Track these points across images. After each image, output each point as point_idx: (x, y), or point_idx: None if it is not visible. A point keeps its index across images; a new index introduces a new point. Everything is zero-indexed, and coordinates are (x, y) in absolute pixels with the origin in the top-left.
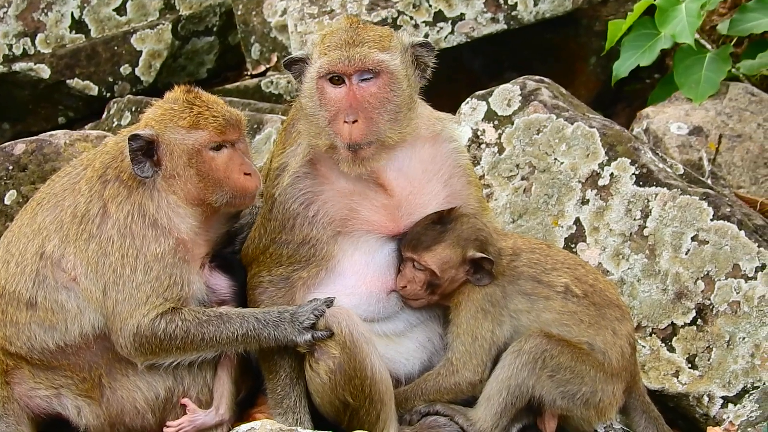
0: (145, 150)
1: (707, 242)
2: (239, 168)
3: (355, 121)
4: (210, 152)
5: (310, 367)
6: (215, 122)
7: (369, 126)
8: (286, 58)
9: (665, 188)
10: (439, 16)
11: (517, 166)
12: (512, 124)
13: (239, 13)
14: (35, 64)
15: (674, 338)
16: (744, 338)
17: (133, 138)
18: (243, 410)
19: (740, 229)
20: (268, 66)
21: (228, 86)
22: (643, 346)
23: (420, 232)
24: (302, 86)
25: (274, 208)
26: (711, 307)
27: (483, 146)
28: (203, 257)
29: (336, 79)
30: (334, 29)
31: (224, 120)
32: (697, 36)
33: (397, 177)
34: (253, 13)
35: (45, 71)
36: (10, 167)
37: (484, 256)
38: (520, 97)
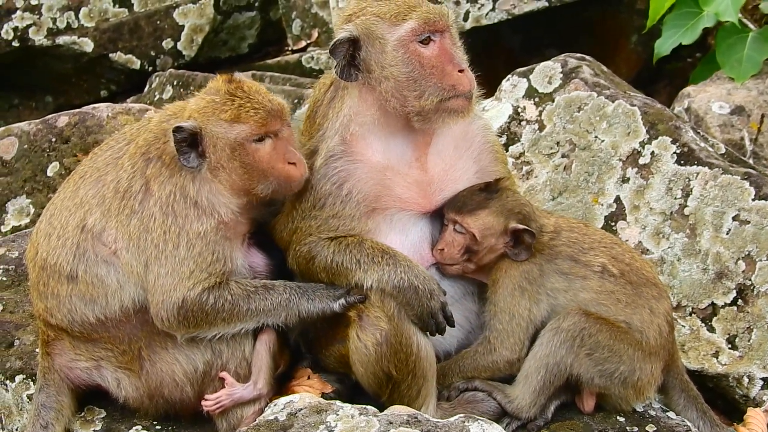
0: (190, 141)
1: (749, 222)
2: (283, 158)
3: (462, 71)
4: (253, 144)
5: (357, 336)
6: (256, 115)
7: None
8: (333, 43)
9: (706, 167)
10: None
11: (558, 143)
12: (553, 101)
13: None
14: (78, 37)
15: (714, 318)
16: None
17: (177, 130)
18: (281, 385)
19: None
20: (308, 41)
21: (269, 61)
22: (682, 326)
23: (466, 196)
24: (382, 57)
25: (305, 191)
26: (752, 287)
27: (523, 123)
28: (244, 234)
29: (426, 39)
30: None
31: (265, 112)
32: (739, 15)
33: (431, 153)
34: None
35: (88, 45)
36: (53, 139)
37: (526, 228)
38: (561, 75)
